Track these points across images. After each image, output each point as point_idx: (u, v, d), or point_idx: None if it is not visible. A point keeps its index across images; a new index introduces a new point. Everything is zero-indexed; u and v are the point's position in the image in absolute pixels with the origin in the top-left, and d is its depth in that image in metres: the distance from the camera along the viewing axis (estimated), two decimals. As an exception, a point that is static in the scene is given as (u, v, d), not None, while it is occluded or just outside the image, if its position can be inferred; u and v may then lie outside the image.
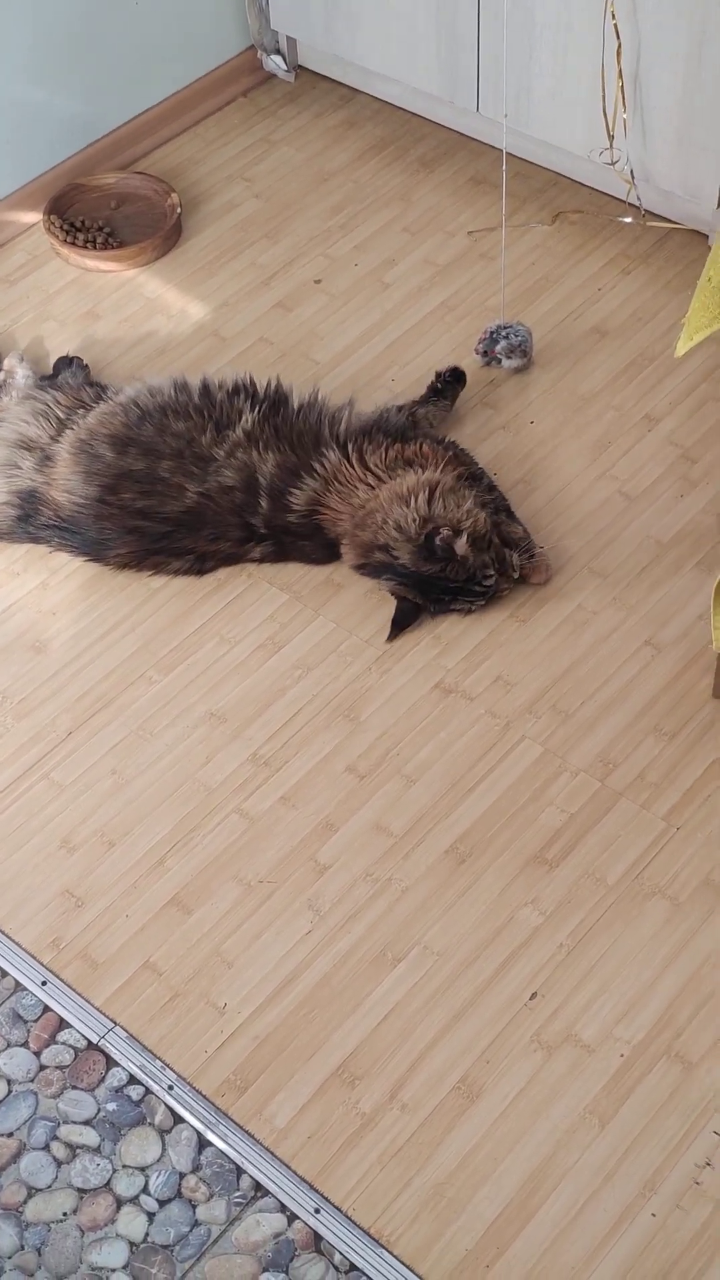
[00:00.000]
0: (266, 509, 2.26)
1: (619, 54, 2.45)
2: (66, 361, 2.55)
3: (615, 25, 2.42)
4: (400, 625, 2.22)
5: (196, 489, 2.26)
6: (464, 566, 2.17)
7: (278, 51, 3.09)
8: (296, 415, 2.33)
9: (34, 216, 2.85)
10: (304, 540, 2.28)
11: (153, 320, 2.70)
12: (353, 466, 2.26)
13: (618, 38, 2.44)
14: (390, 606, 2.24)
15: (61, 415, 2.37)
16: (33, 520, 2.31)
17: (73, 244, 2.79)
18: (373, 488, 2.24)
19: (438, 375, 2.46)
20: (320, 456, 2.27)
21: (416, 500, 2.18)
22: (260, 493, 2.26)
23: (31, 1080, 1.85)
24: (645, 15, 2.40)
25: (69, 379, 2.48)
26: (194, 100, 3.05)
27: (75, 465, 2.30)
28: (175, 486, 2.26)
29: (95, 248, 2.79)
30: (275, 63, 3.10)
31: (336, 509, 2.25)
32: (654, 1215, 1.71)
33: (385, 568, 2.21)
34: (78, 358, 2.56)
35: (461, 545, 2.15)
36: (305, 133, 3.02)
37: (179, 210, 2.82)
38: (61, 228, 2.80)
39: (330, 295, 2.72)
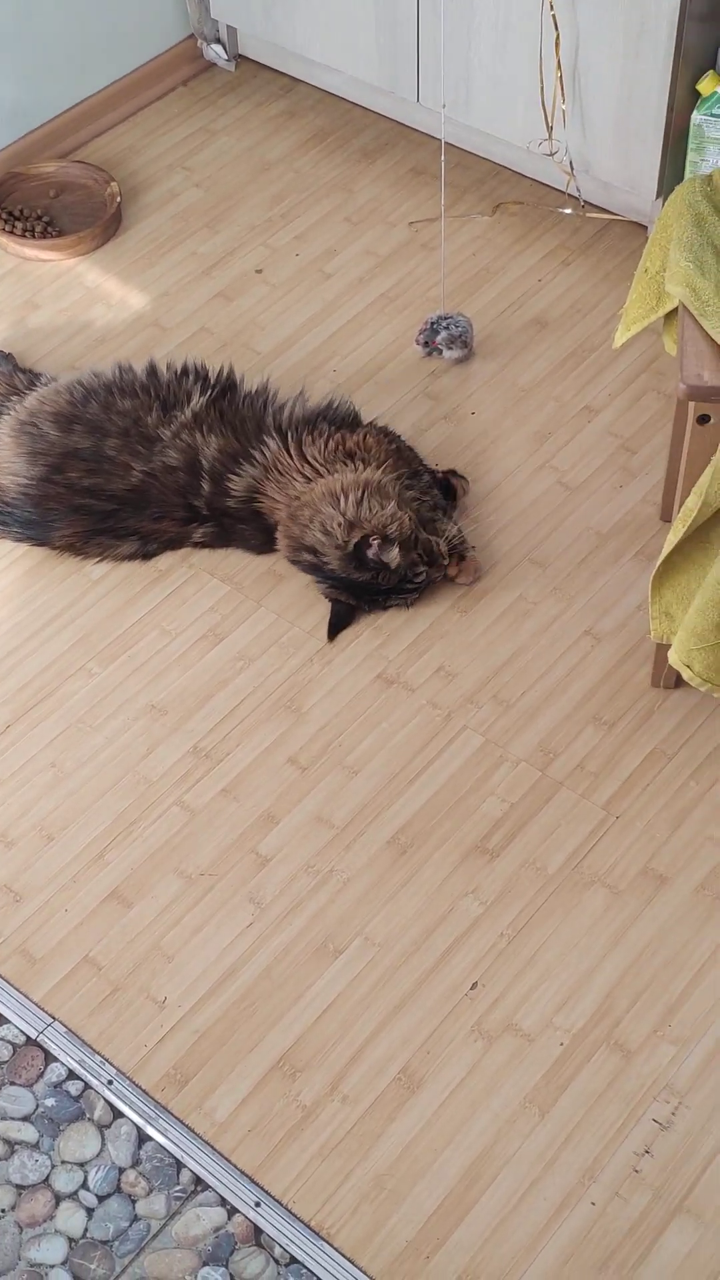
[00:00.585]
0: (208, 491, 2.25)
1: (558, 45, 2.46)
2: None
3: (554, 16, 2.43)
4: (337, 627, 2.21)
5: (142, 468, 2.25)
6: (394, 572, 2.17)
7: (218, 40, 3.08)
8: (243, 402, 2.32)
9: (-29, 205, 2.82)
10: (243, 525, 2.27)
11: (92, 310, 2.68)
12: (290, 456, 2.25)
13: (556, 29, 2.44)
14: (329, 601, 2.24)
15: None
16: None
17: (11, 233, 2.76)
18: (309, 480, 2.23)
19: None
20: (261, 444, 2.26)
21: (345, 501, 2.17)
22: (202, 475, 2.25)
23: (-31, 1077, 1.83)
24: (584, 7, 2.40)
25: None
26: (134, 89, 3.02)
27: (17, 447, 2.28)
28: (121, 465, 2.25)
29: (34, 237, 2.76)
30: (215, 52, 3.08)
31: (274, 497, 2.24)
32: (593, 1204, 1.72)
33: (315, 569, 2.21)
34: (0, 350, 2.54)
35: (393, 556, 2.15)
36: (246, 122, 3.00)
37: (119, 199, 2.80)
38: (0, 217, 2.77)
39: (271, 285, 2.70)
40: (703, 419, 1.81)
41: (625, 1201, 1.72)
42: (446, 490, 2.32)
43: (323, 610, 2.24)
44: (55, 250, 2.75)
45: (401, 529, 2.17)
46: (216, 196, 2.87)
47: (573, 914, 1.93)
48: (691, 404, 1.81)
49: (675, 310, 2.01)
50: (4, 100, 2.83)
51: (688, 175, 2.53)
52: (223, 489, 2.25)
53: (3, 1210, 1.74)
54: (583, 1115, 1.78)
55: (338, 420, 2.32)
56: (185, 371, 2.34)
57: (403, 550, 2.16)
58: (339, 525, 2.16)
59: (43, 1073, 1.83)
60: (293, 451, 2.25)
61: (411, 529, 2.18)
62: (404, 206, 2.82)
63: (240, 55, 3.11)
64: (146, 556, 2.30)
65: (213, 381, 2.34)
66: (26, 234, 2.76)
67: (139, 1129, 1.79)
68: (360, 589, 2.20)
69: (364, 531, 2.15)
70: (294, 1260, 1.69)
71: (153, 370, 2.34)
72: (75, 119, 2.95)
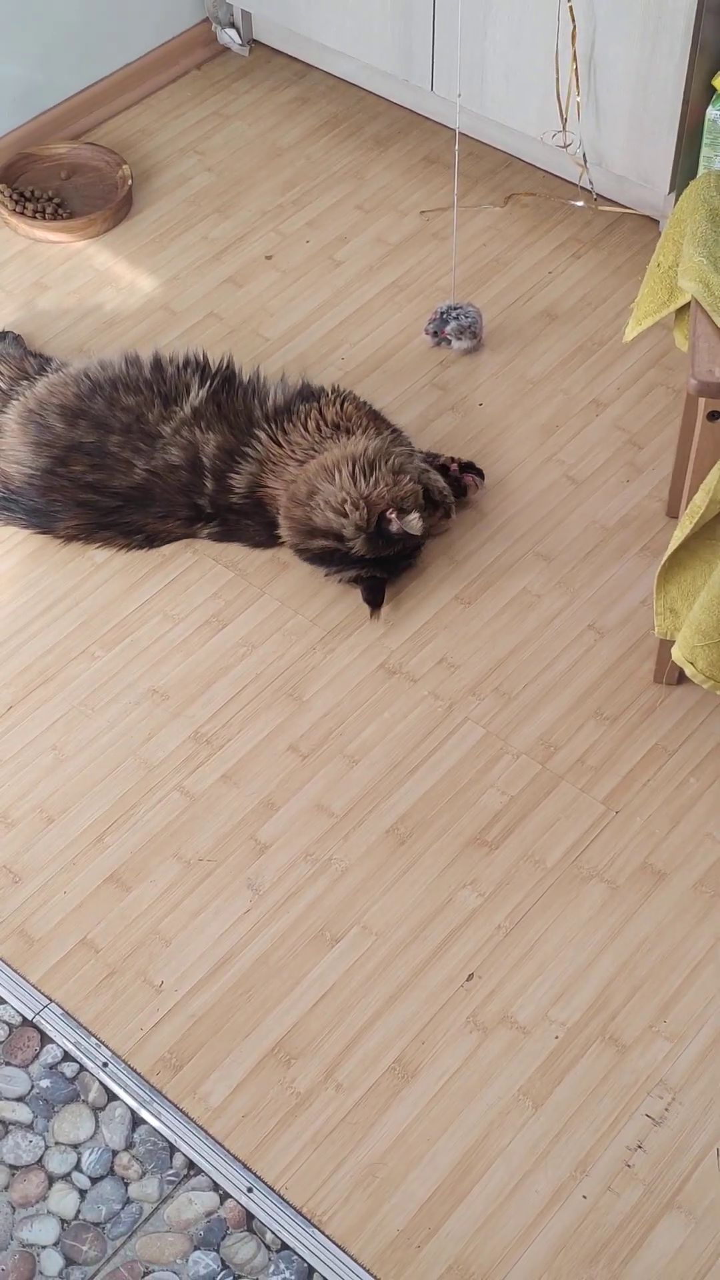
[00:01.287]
0: (211, 489, 2.25)
1: (574, 37, 2.45)
2: (1, 336, 2.52)
3: (571, 8, 2.42)
4: (377, 602, 2.21)
5: (144, 466, 2.24)
6: (418, 537, 2.17)
7: (232, 25, 3.06)
8: (238, 395, 2.31)
9: (-18, 185, 2.81)
10: (248, 520, 2.27)
11: (102, 292, 2.67)
12: (280, 445, 2.24)
13: (573, 20, 2.43)
14: (332, 588, 2.24)
15: (4, 386, 2.35)
16: None
17: (22, 214, 2.75)
18: (301, 462, 2.22)
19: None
20: (253, 438, 2.26)
21: (341, 475, 2.15)
22: (205, 473, 2.24)
23: (-36, 1057, 1.83)
24: (601, -2, 2.40)
25: (9, 350, 2.45)
26: (147, 72, 3.01)
27: (24, 435, 2.27)
28: (124, 462, 2.24)
29: (45, 218, 2.75)
30: (230, 36, 3.07)
31: (274, 487, 2.24)
32: (585, 1197, 1.72)
33: (336, 556, 2.19)
34: (11, 331, 2.53)
35: (415, 524, 2.14)
36: (259, 107, 2.99)
37: (130, 182, 2.79)
38: (11, 197, 2.77)
39: (281, 271, 2.70)
40: (713, 415, 1.81)
41: (617, 1196, 1.72)
42: (457, 487, 2.31)
43: (327, 597, 2.24)
44: (66, 232, 2.75)
45: (416, 497, 2.16)
46: (228, 181, 2.86)
47: (570, 908, 1.94)
48: (701, 400, 1.80)
49: (687, 305, 2.00)
50: (17, 81, 2.82)
51: (701, 170, 2.52)
52: (226, 486, 2.24)
53: (-4, 1190, 1.74)
54: (576, 1109, 1.78)
55: (312, 395, 2.31)
56: (185, 363, 2.33)
57: (420, 514, 2.15)
58: (350, 504, 2.14)
59: (38, 1054, 1.83)
60: (280, 440, 2.25)
61: (420, 496, 2.18)
62: (416, 195, 2.81)
63: (254, 40, 3.10)
64: (152, 546, 2.30)
65: (212, 372, 2.32)
66: (37, 215, 2.75)
67: (133, 1112, 1.79)
68: (387, 562, 2.19)
69: (380, 507, 2.14)
70: (285, 1246, 1.70)
71: (157, 364, 2.32)
72: (88, 101, 2.94)
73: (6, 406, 2.32)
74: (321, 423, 2.25)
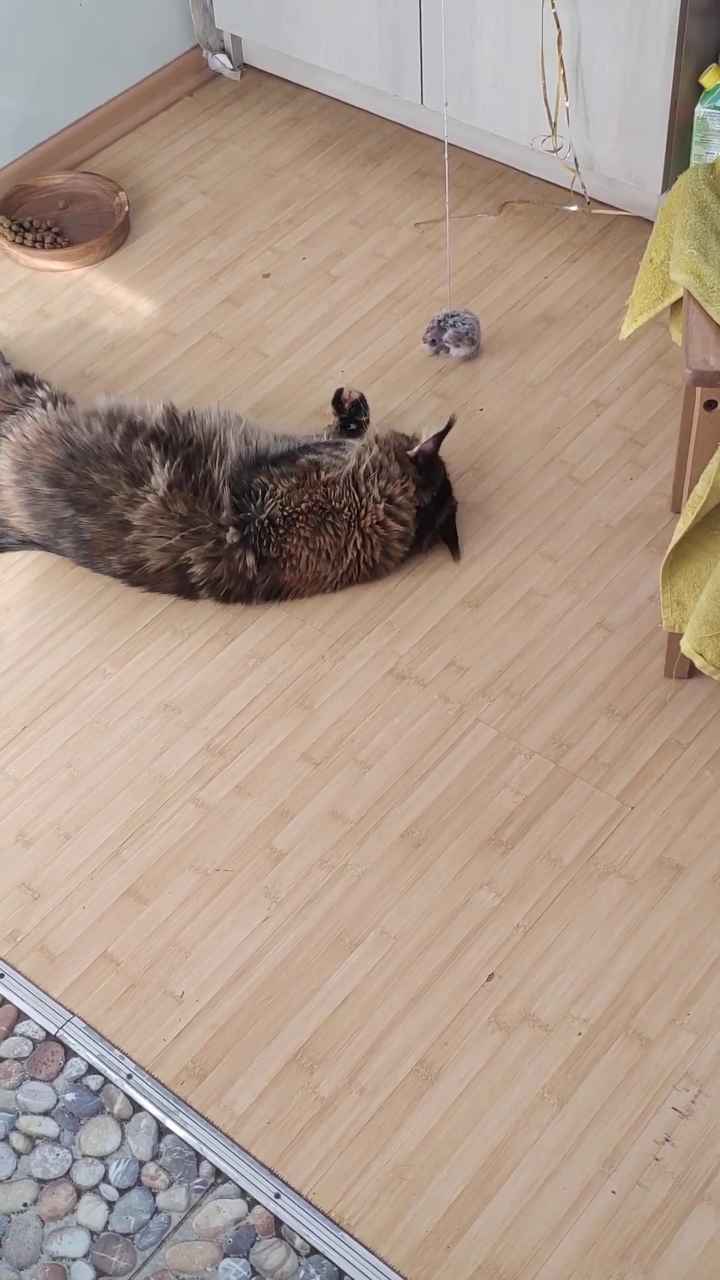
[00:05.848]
0: (223, 590, 2.22)
1: (559, 42, 2.47)
2: None
3: (555, 14, 2.44)
4: (456, 540, 2.30)
5: (122, 562, 2.20)
6: (437, 466, 2.27)
7: (223, 50, 3.10)
8: (202, 486, 2.18)
9: (-18, 217, 2.85)
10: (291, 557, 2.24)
11: (102, 318, 2.70)
12: (274, 529, 2.19)
13: (558, 26, 2.45)
14: (339, 596, 2.25)
15: None
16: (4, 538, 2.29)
17: (21, 244, 2.78)
18: (304, 523, 2.19)
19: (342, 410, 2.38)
20: (260, 543, 2.18)
21: (379, 475, 2.21)
22: (199, 589, 2.21)
23: (-11, 1074, 1.84)
24: (585, 4, 2.42)
25: None
26: (140, 100, 3.05)
27: (19, 496, 2.22)
28: (102, 548, 2.20)
29: (44, 247, 2.78)
30: (221, 61, 3.11)
31: (295, 553, 2.21)
32: (614, 1193, 1.72)
33: (425, 516, 2.24)
34: None
35: (430, 444, 2.24)
36: (251, 130, 3.03)
37: (127, 209, 2.83)
38: (10, 228, 2.80)
39: (279, 289, 2.72)
40: (709, 404, 1.81)
41: (646, 1190, 1.72)
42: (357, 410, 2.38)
43: (334, 606, 2.25)
44: (65, 260, 2.78)
45: (408, 486, 2.23)
46: (223, 203, 2.89)
47: (589, 904, 1.93)
48: (698, 389, 1.81)
49: (681, 300, 2.01)
50: (12, 114, 2.85)
51: (692, 169, 2.53)
52: (246, 583, 2.22)
53: (25, 1204, 1.74)
54: (602, 1104, 1.78)
55: (269, 462, 2.23)
56: (152, 435, 2.20)
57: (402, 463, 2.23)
58: (399, 477, 2.21)
59: (63, 1068, 1.84)
60: (268, 527, 2.18)
61: (402, 459, 2.24)
62: (410, 208, 2.84)
63: (245, 64, 3.13)
64: None
65: (170, 442, 2.19)
66: (36, 245, 2.79)
67: (158, 1122, 1.79)
68: (438, 503, 2.27)
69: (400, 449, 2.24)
70: (314, 1251, 1.69)
71: (127, 432, 2.20)
72: (83, 131, 2.98)
73: None
74: (316, 483, 2.21)
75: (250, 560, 2.19)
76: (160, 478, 2.17)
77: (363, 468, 2.21)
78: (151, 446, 2.19)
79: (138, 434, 2.21)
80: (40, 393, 2.35)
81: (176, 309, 2.70)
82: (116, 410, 2.25)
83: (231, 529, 2.17)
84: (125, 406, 2.26)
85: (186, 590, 2.23)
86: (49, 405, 2.31)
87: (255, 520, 2.18)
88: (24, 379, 2.40)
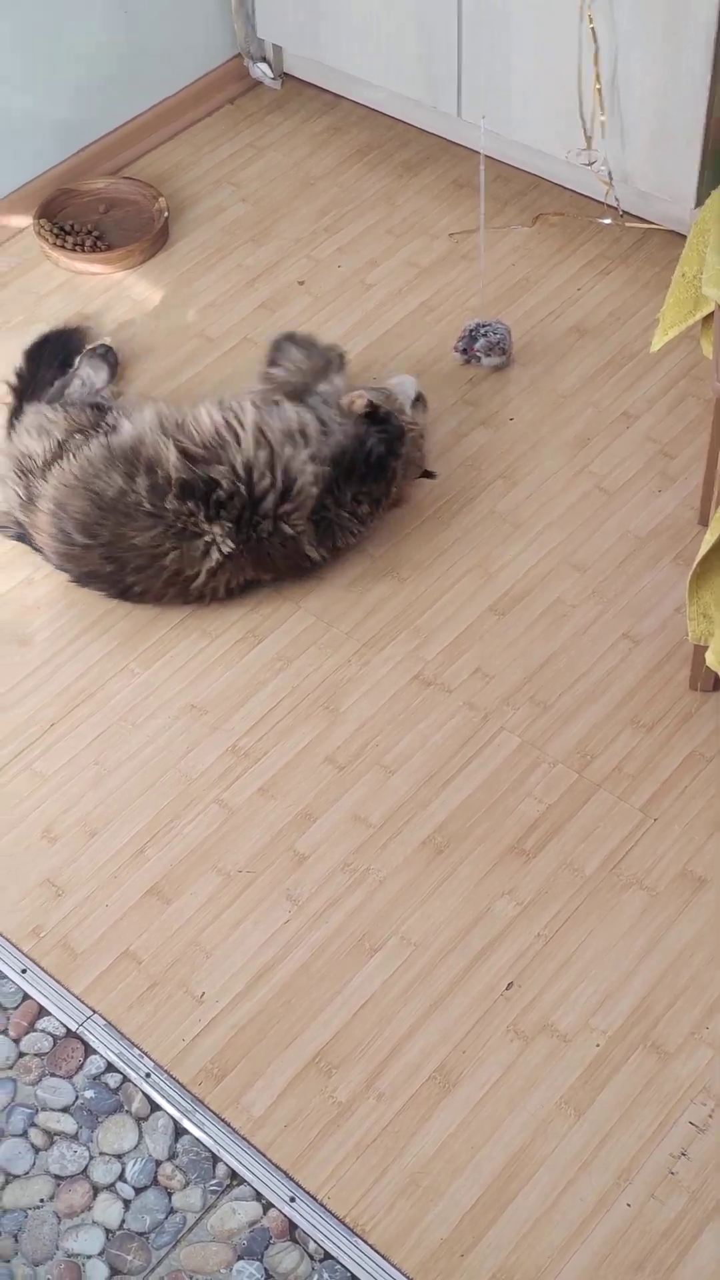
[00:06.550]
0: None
1: (596, 57, 2.48)
2: (92, 353, 2.51)
3: (592, 29, 2.45)
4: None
5: (186, 600, 2.25)
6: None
7: (264, 59, 3.12)
8: (270, 534, 2.19)
9: (24, 220, 2.88)
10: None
11: (140, 321, 2.72)
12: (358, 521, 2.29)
13: (595, 41, 2.46)
14: (367, 600, 2.26)
15: (60, 438, 2.26)
16: (29, 542, 2.31)
17: (62, 247, 2.81)
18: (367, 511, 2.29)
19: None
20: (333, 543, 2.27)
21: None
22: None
23: (10, 1067, 1.85)
24: (622, 18, 2.42)
25: (79, 392, 2.41)
26: (182, 107, 3.07)
27: (52, 529, 2.22)
28: (157, 595, 2.23)
29: (84, 250, 2.81)
30: (262, 70, 3.13)
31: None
32: (629, 1205, 1.71)
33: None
34: (107, 345, 2.54)
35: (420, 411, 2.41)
36: (291, 138, 3.05)
37: (166, 214, 2.85)
38: (51, 231, 2.83)
39: (314, 296, 2.74)
40: (739, 418, 1.81)
41: (661, 1203, 1.71)
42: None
43: (362, 610, 2.26)
44: (104, 263, 2.80)
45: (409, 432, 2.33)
46: (262, 211, 2.91)
47: (610, 915, 1.93)
48: (728, 403, 1.81)
49: (713, 314, 2.01)
50: (56, 119, 2.88)
51: (728, 184, 2.53)
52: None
53: (41, 1200, 1.76)
54: (619, 1116, 1.77)
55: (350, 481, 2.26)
56: (173, 487, 2.15)
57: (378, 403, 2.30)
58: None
59: (82, 1065, 1.85)
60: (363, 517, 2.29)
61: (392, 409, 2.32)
62: (445, 219, 2.85)
63: (286, 73, 3.15)
64: None
65: (222, 500, 2.15)
66: (77, 248, 2.81)
67: (176, 1122, 1.80)
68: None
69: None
70: (328, 1256, 1.70)
71: (153, 490, 2.14)
72: (125, 137, 3.00)
73: (51, 468, 2.22)
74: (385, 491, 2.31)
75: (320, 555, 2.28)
76: (221, 543, 2.18)
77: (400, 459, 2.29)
78: (191, 505, 2.16)
79: (166, 489, 2.15)
80: (108, 419, 2.29)
81: (213, 314, 2.72)
82: (131, 454, 2.18)
83: (322, 554, 2.27)
84: (136, 448, 2.19)
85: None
86: (94, 437, 2.25)
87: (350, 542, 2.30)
88: (97, 406, 2.35)
